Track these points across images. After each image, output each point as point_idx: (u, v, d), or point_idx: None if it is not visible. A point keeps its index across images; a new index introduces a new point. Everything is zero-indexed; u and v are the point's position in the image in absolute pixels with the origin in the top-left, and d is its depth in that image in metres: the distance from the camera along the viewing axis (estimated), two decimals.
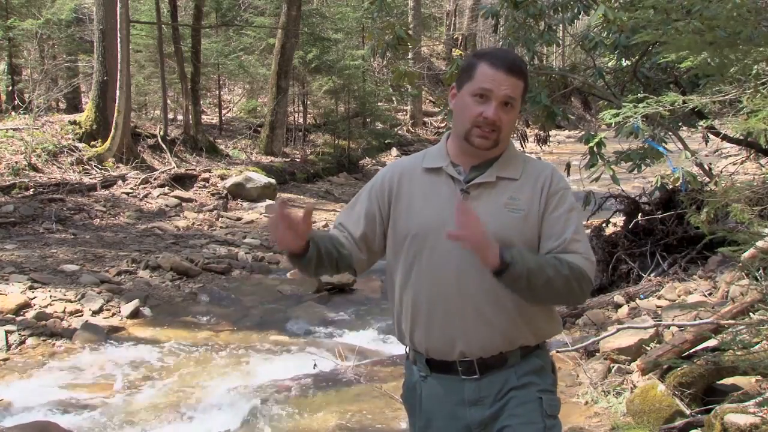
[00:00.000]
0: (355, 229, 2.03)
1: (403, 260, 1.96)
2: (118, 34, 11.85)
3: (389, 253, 2.02)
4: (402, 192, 1.98)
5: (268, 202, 11.70)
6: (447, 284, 1.90)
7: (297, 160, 15.64)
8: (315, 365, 5.16)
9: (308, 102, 18.18)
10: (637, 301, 5.65)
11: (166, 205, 10.91)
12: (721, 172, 8.43)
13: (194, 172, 12.52)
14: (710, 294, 5.38)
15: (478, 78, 1.87)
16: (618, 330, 4.60)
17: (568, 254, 1.86)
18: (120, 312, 6.41)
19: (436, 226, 1.89)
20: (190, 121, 14.64)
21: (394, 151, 18.79)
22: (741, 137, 6.00)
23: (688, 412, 3.65)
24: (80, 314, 6.21)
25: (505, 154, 1.95)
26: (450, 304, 1.90)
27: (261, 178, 12.19)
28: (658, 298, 5.62)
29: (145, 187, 11.35)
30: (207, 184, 12.16)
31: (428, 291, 1.92)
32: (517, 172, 1.93)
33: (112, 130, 11.93)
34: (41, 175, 10.80)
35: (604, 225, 7.07)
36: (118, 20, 11.88)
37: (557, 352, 4.80)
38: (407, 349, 2.06)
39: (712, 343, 3.92)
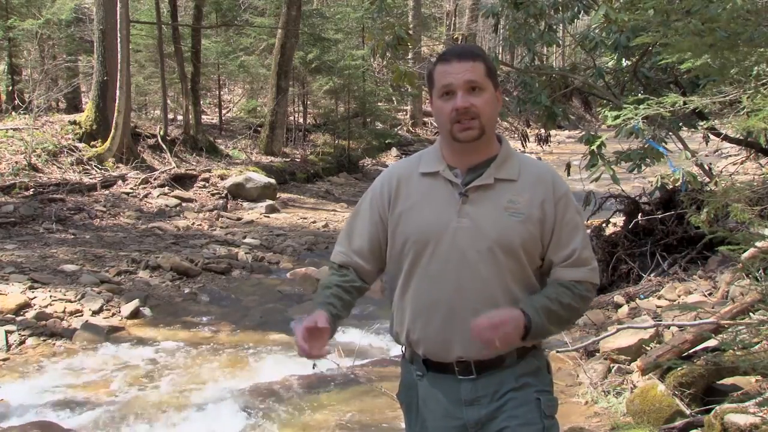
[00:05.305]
0: (360, 245, 2.05)
1: (402, 264, 1.98)
2: (118, 34, 11.86)
3: (389, 257, 2.03)
4: (400, 197, 1.98)
5: (268, 202, 11.71)
6: (446, 289, 1.90)
7: (297, 160, 15.64)
8: (314, 365, 5.13)
9: (308, 102, 18.19)
10: (637, 301, 5.65)
11: (166, 205, 10.91)
12: (721, 172, 8.45)
13: (194, 172, 12.52)
14: (710, 294, 5.38)
15: (437, 79, 1.90)
16: (618, 330, 4.60)
17: (578, 269, 1.93)
18: (120, 312, 6.41)
19: (436, 231, 1.90)
20: (190, 121, 14.64)
21: (394, 151, 18.78)
22: (741, 137, 6.00)
23: (688, 412, 3.65)
24: (80, 314, 6.21)
25: (501, 154, 1.95)
26: (449, 308, 1.90)
27: (261, 178, 12.19)
28: (658, 298, 5.62)
29: (145, 187, 11.35)
30: (207, 184, 12.16)
31: (427, 295, 1.93)
32: (515, 172, 1.93)
33: (112, 130, 11.94)
34: (41, 175, 10.80)
35: (604, 225, 7.07)
36: (118, 20, 11.89)
37: (557, 352, 4.80)
38: (404, 348, 2.07)
39: (712, 343, 3.92)
